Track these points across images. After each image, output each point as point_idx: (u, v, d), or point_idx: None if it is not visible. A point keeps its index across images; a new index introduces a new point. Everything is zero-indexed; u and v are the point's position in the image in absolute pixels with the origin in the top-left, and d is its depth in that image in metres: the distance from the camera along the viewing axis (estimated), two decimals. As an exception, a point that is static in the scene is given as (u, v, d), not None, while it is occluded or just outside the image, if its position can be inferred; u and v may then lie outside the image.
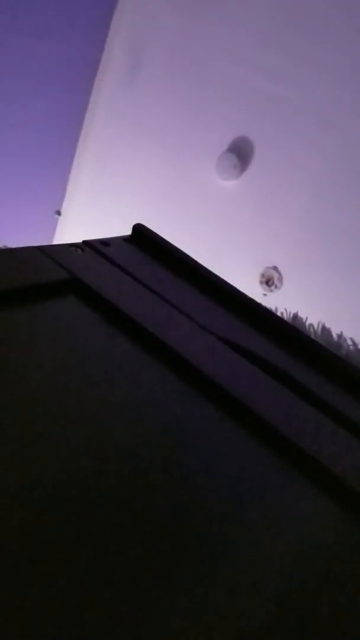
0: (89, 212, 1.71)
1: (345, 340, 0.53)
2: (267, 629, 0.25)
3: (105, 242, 0.48)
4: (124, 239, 0.51)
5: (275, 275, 1.64)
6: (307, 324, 0.53)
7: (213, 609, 0.24)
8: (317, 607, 0.27)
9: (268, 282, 1.64)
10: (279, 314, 0.49)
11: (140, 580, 0.24)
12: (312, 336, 0.52)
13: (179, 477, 0.30)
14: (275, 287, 1.64)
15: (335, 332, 0.52)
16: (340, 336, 0.52)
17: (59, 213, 1.63)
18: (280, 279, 1.64)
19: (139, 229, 0.51)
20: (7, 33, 1.51)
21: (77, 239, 0.50)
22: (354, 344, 0.56)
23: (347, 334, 0.59)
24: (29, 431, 0.29)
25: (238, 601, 0.25)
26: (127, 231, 0.53)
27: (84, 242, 0.47)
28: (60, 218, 1.61)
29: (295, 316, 0.53)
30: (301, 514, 0.32)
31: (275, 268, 1.64)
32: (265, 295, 1.63)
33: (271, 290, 1.65)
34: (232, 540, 0.28)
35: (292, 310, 0.56)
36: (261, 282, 1.66)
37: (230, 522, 0.29)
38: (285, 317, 0.51)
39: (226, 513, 0.29)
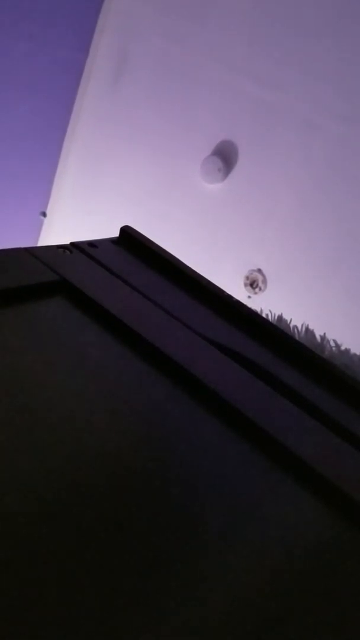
0: (75, 214, 1.71)
1: (328, 341, 0.54)
2: (249, 632, 0.25)
3: (93, 244, 0.48)
4: (112, 241, 0.51)
5: (260, 277, 1.65)
6: (291, 325, 0.54)
7: (194, 612, 0.25)
8: (302, 610, 0.27)
9: (252, 284, 1.66)
10: (264, 315, 0.50)
11: (125, 581, 0.24)
12: (296, 337, 0.53)
13: (168, 478, 0.31)
14: (260, 289, 1.65)
15: (318, 334, 0.53)
16: (323, 337, 0.53)
17: (44, 214, 1.62)
18: (265, 281, 1.65)
19: (126, 231, 0.52)
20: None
21: (63, 240, 0.50)
22: (337, 345, 0.57)
23: (330, 336, 0.60)
24: (15, 433, 0.29)
25: (222, 607, 0.26)
26: (113, 233, 0.54)
27: (72, 243, 0.48)
28: (46, 220, 1.61)
29: (280, 318, 0.53)
30: (285, 509, 0.33)
31: (259, 270, 1.66)
32: (249, 297, 1.64)
33: (255, 293, 1.66)
34: (219, 544, 0.29)
35: (276, 312, 0.57)
36: (246, 285, 1.67)
37: (214, 523, 0.30)
38: (270, 318, 0.51)
39: (208, 513, 0.30)
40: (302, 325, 0.53)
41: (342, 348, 0.59)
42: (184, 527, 0.28)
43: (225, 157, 1.63)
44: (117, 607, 0.22)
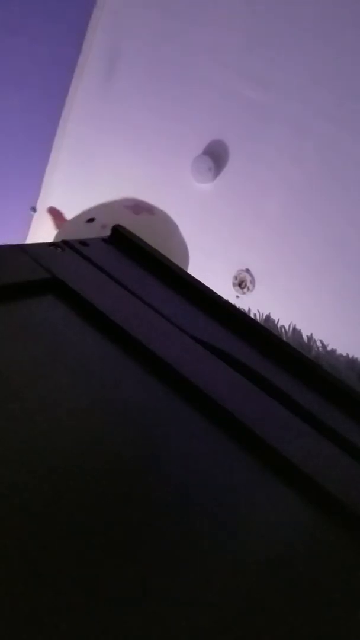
0: (65, 210, 1.71)
1: (315, 342, 0.55)
2: (235, 632, 0.26)
3: (84, 242, 0.49)
4: (103, 239, 0.52)
5: (248, 277, 1.66)
6: (279, 325, 0.54)
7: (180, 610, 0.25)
8: (290, 611, 0.28)
9: (241, 284, 1.67)
10: (252, 315, 0.50)
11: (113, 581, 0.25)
12: (284, 337, 0.53)
13: (157, 479, 0.31)
14: (248, 289, 1.66)
15: (305, 334, 0.54)
16: (310, 338, 0.54)
17: (34, 209, 1.62)
18: (253, 281, 1.66)
19: (118, 230, 0.52)
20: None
21: (52, 236, 0.50)
22: (323, 345, 0.58)
23: (317, 336, 0.61)
24: (5, 429, 0.29)
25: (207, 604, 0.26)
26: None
27: (64, 241, 0.48)
28: (35, 215, 1.60)
29: (268, 317, 0.54)
30: (272, 511, 0.34)
31: (248, 271, 1.67)
32: (238, 297, 1.65)
33: (244, 293, 1.67)
34: (210, 546, 0.29)
35: (264, 312, 0.58)
36: (234, 285, 1.68)
37: (206, 526, 0.30)
38: (258, 318, 0.52)
39: (200, 515, 0.30)
40: (289, 325, 0.54)
41: (329, 348, 0.60)
42: (175, 531, 0.29)
43: (216, 156, 1.64)
44: (108, 610, 0.23)
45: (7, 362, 0.34)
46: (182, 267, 1.08)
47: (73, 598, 0.22)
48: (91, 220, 0.99)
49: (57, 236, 1.09)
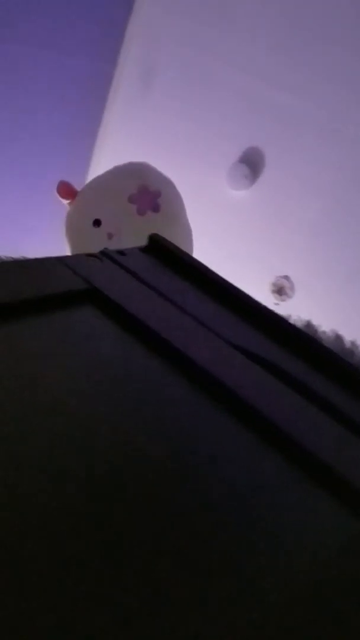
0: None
1: (357, 347, 0.54)
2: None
3: (122, 252, 0.49)
4: (140, 249, 0.52)
5: (287, 284, 1.64)
6: (320, 331, 0.53)
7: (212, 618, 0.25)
8: (326, 621, 0.27)
9: (279, 291, 1.65)
10: (291, 321, 0.50)
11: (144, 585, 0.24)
12: (325, 343, 0.52)
13: (194, 488, 0.31)
14: (287, 296, 1.64)
15: (348, 340, 0.53)
16: (353, 343, 0.53)
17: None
18: (292, 288, 1.64)
19: (155, 239, 0.52)
20: (21, 46, 1.54)
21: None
22: (367, 351, 0.56)
23: (360, 342, 0.59)
24: (48, 441, 0.29)
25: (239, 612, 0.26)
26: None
27: (101, 252, 0.48)
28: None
29: (309, 324, 0.53)
30: (317, 521, 0.33)
31: (286, 277, 1.65)
32: (277, 304, 1.63)
33: (283, 300, 1.65)
34: (243, 552, 0.29)
35: (304, 318, 0.57)
36: (272, 292, 1.67)
37: (243, 533, 0.30)
38: (298, 324, 0.51)
39: (239, 523, 0.30)
40: (331, 331, 0.53)
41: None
42: (211, 537, 0.28)
43: (251, 163, 1.63)
44: (129, 621, 0.23)
45: (48, 373, 0.35)
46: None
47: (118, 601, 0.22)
48: (98, 222, 0.99)
49: (67, 227, 1.08)
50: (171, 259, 0.51)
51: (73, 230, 1.08)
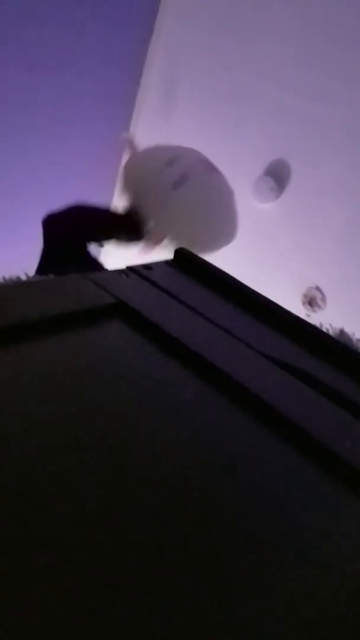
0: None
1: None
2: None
3: (148, 267, 0.48)
4: (167, 262, 0.51)
5: (318, 295, 1.62)
6: (354, 339, 0.52)
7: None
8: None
9: (310, 302, 1.63)
10: (324, 329, 0.48)
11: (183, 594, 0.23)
12: (360, 351, 0.51)
13: (234, 503, 0.30)
14: (319, 307, 1.62)
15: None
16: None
17: (101, 244, 1.66)
18: (324, 299, 1.62)
19: (181, 252, 0.52)
20: (47, 72, 1.57)
21: (119, 264, 0.51)
22: None
23: None
24: (77, 451, 0.29)
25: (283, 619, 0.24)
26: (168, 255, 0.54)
27: (128, 267, 0.48)
28: (103, 248, 1.64)
29: (342, 332, 0.52)
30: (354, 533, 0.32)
31: (317, 288, 1.63)
32: (308, 315, 1.61)
33: (314, 311, 1.63)
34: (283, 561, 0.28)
35: (337, 327, 0.56)
36: (304, 303, 1.64)
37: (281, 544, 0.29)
38: (331, 333, 0.50)
39: (274, 535, 0.29)
40: (365, 339, 0.52)
41: None
42: (256, 547, 0.27)
43: (277, 176, 1.62)
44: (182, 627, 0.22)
45: (78, 386, 0.34)
46: (223, 238, 1.05)
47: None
48: (171, 163, 0.96)
49: (125, 172, 1.04)
50: (197, 271, 0.51)
51: (139, 171, 1.02)
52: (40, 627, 0.20)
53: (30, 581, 0.21)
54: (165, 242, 0.92)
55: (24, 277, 0.64)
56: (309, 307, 1.62)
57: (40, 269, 0.85)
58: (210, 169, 0.98)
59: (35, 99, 1.58)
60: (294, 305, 1.62)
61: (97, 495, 0.27)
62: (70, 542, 0.23)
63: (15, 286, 0.49)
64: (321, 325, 0.49)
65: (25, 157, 1.62)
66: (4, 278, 0.58)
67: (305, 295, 1.64)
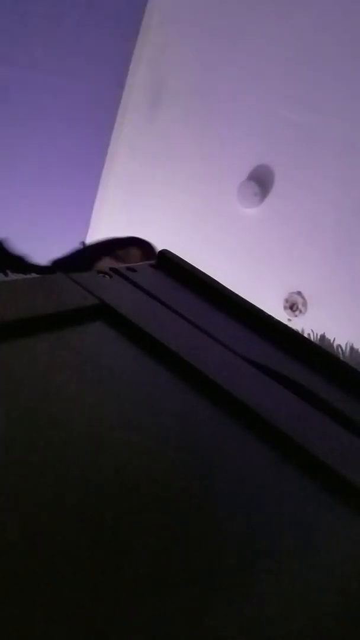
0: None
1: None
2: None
3: (132, 269, 0.48)
4: (150, 265, 0.52)
5: (300, 300, 1.63)
6: (335, 345, 0.52)
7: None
8: None
9: (292, 307, 1.64)
10: (305, 335, 0.49)
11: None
12: (341, 357, 0.51)
13: (212, 505, 0.30)
14: (300, 312, 1.63)
15: (363, 353, 0.52)
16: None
17: (83, 244, 1.66)
18: (305, 303, 1.63)
19: (164, 255, 0.52)
20: (28, 71, 1.56)
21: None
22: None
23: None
24: (56, 457, 0.29)
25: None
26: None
27: (111, 268, 0.48)
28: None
29: (323, 337, 0.52)
30: (338, 538, 0.32)
31: (299, 293, 1.64)
32: (290, 320, 1.62)
33: (295, 316, 1.64)
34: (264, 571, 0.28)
35: (318, 332, 0.56)
36: (285, 308, 1.66)
37: (264, 552, 0.29)
38: (312, 338, 0.51)
39: (259, 542, 0.29)
40: (346, 345, 0.52)
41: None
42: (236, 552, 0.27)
43: (261, 181, 1.64)
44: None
45: (58, 389, 0.34)
46: None
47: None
48: None
49: None
50: (182, 273, 0.51)
51: None
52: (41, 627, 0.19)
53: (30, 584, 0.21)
54: None
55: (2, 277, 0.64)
56: (290, 311, 1.64)
57: None
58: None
59: (10, 97, 1.56)
60: (276, 309, 1.64)
61: (77, 498, 0.26)
62: (51, 553, 0.23)
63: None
64: (303, 330, 0.49)
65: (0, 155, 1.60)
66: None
67: (286, 300, 1.65)
